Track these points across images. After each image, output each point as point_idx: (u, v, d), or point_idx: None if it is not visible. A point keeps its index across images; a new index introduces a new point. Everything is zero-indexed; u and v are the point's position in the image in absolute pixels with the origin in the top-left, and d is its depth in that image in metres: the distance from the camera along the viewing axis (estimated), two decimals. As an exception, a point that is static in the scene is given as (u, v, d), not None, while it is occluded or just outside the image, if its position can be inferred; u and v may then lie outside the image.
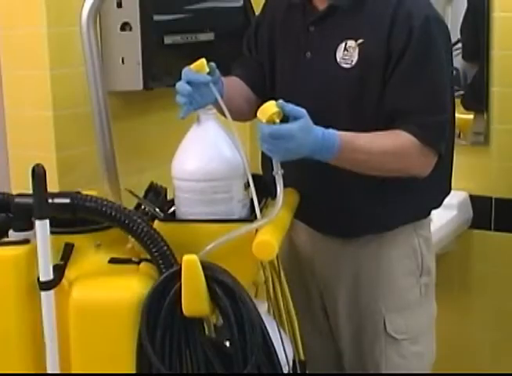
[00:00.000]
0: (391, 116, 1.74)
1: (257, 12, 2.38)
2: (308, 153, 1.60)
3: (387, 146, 1.71)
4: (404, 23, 1.71)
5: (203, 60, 1.63)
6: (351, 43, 1.76)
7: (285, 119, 1.56)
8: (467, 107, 2.71)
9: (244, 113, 1.89)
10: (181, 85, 1.61)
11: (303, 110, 1.57)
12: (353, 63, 1.75)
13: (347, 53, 1.76)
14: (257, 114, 1.56)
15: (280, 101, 1.56)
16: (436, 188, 1.87)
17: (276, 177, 1.57)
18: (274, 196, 1.58)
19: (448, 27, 1.84)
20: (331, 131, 1.63)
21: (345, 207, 1.83)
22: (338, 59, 1.77)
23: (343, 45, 1.76)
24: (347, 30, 1.77)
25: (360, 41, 1.75)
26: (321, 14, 1.81)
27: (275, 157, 1.58)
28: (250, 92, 1.94)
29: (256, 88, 1.94)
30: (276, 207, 1.55)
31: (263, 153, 1.73)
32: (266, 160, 1.94)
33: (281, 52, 1.90)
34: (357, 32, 1.76)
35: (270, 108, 1.55)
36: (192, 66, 1.63)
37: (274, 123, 1.55)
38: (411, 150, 1.71)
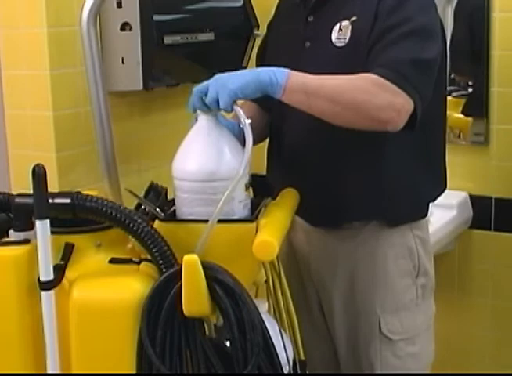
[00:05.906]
0: None
1: (258, 11, 2.39)
2: (256, 81, 1.58)
3: (342, 78, 1.65)
4: None
5: None
6: (345, 23, 1.76)
7: None
8: (468, 114, 2.70)
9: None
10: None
11: None
12: (346, 41, 1.76)
13: (342, 33, 1.76)
14: None
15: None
16: (430, 181, 1.87)
17: (244, 129, 1.53)
18: (272, 195, 1.57)
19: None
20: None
21: (339, 196, 1.82)
22: (333, 40, 1.77)
23: (337, 26, 1.77)
24: (342, 13, 1.78)
25: (353, 18, 1.75)
26: (317, 1, 1.82)
27: (223, 99, 1.57)
28: (263, 112, 1.94)
29: (267, 107, 1.93)
30: (244, 161, 1.51)
31: (267, 153, 1.72)
32: (269, 160, 1.94)
33: (283, 47, 1.90)
34: (351, 12, 1.76)
35: None
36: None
37: None
38: (371, 83, 1.62)
